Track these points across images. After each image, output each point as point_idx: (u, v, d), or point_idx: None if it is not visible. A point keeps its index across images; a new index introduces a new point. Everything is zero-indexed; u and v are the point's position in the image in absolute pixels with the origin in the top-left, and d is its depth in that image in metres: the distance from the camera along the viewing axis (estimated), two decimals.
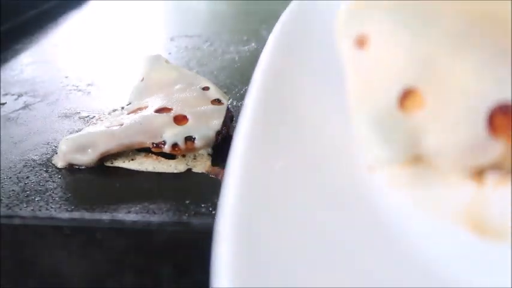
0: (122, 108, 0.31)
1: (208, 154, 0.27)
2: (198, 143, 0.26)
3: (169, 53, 0.43)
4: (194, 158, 0.27)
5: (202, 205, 0.23)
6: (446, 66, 0.14)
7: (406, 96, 0.14)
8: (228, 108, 0.29)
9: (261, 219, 0.12)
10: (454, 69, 0.14)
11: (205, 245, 0.22)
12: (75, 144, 0.26)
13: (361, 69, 0.15)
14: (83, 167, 0.26)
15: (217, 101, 0.30)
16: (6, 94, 0.36)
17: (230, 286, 0.10)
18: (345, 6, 0.16)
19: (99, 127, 0.28)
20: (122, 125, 0.27)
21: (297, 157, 0.14)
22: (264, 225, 0.12)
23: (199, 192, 0.24)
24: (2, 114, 0.33)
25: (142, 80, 0.33)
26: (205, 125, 0.27)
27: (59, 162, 0.27)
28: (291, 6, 0.21)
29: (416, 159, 0.14)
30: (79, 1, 0.60)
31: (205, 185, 0.25)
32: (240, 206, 0.12)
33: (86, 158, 0.26)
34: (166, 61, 0.36)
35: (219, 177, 0.25)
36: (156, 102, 0.29)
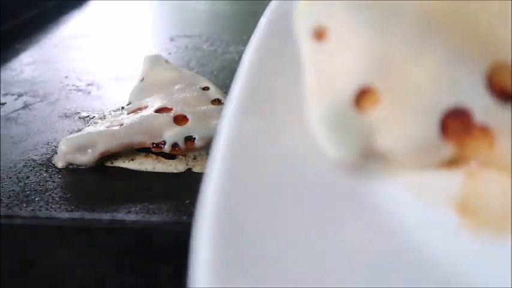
0: (122, 108, 0.31)
1: (208, 154, 0.27)
2: (198, 143, 0.26)
3: (169, 53, 0.43)
4: (194, 158, 0.27)
5: None
6: (403, 66, 0.14)
7: (362, 94, 0.14)
8: None
9: (241, 218, 0.12)
10: (411, 70, 0.14)
11: None
12: (75, 144, 0.26)
13: (318, 62, 0.15)
14: (83, 167, 0.26)
15: (217, 101, 0.30)
16: (6, 94, 0.36)
17: (208, 286, 0.10)
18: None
19: (99, 127, 0.28)
20: (122, 125, 0.27)
21: (278, 155, 0.14)
22: (244, 224, 0.12)
23: (199, 192, 0.24)
24: (2, 114, 0.33)
25: (142, 80, 0.33)
26: (205, 125, 0.27)
27: (59, 162, 0.27)
28: (271, 6, 0.21)
29: (372, 156, 0.14)
30: (79, 1, 0.60)
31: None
32: (220, 205, 0.12)
33: (86, 158, 0.26)
34: (166, 61, 0.36)
35: None
36: (156, 102, 0.29)
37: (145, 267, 0.22)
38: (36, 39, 0.48)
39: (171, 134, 0.27)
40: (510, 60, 0.15)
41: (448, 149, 0.14)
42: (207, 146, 0.27)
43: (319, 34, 0.15)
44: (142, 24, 0.55)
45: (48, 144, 0.29)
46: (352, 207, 0.13)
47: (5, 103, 0.35)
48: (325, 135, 0.14)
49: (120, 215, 0.23)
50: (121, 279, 0.22)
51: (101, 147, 0.26)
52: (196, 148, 0.27)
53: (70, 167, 0.27)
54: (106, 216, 0.22)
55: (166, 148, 0.26)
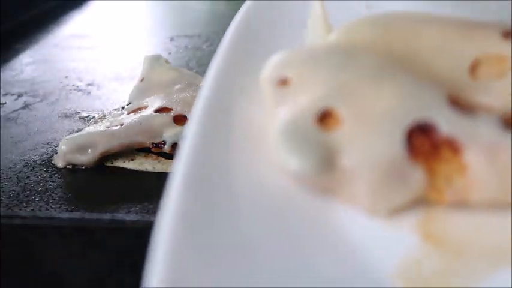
0: (122, 108, 0.31)
1: None
2: None
3: (169, 53, 0.43)
4: None
5: None
6: (363, 91, 0.15)
7: (324, 116, 0.14)
8: None
9: (200, 221, 0.12)
10: (372, 93, 0.14)
11: None
12: (75, 144, 0.26)
13: (281, 100, 0.15)
14: (83, 167, 0.26)
15: None
16: (6, 94, 0.36)
17: (160, 286, 0.10)
18: (269, 60, 0.16)
19: (99, 127, 0.28)
20: (121, 125, 0.27)
21: (240, 159, 0.14)
22: (203, 227, 0.12)
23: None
24: (2, 114, 0.33)
25: (142, 80, 0.33)
26: None
27: (59, 162, 0.27)
28: (246, 6, 0.21)
29: (333, 174, 0.14)
30: (79, 1, 0.60)
31: None
32: (181, 207, 0.12)
33: (86, 158, 0.26)
34: (166, 61, 0.36)
35: None
36: (156, 102, 0.29)
37: (145, 267, 0.22)
38: (36, 39, 0.48)
39: (171, 134, 0.27)
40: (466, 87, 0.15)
41: (417, 173, 0.14)
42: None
43: (283, 81, 0.16)
44: (142, 24, 0.55)
45: (48, 144, 0.29)
46: (310, 227, 0.13)
47: (5, 103, 0.35)
48: (285, 147, 0.14)
49: (120, 215, 0.23)
50: (121, 279, 0.22)
51: (101, 147, 0.26)
52: None
53: (70, 167, 0.27)
54: (106, 216, 0.22)
55: (166, 148, 0.26)
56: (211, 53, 0.43)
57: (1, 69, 0.41)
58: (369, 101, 0.14)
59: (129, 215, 0.23)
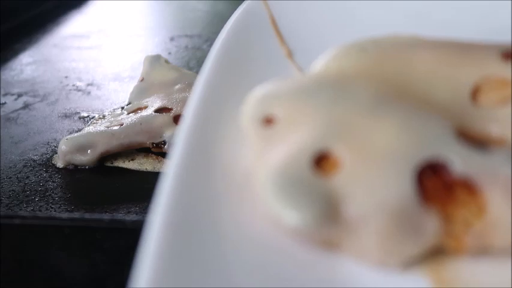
0: (122, 108, 0.31)
1: None
2: None
3: (169, 53, 0.43)
4: None
5: None
6: (361, 128, 0.13)
7: (320, 160, 0.13)
8: None
9: (191, 222, 0.12)
10: (371, 130, 0.13)
11: None
12: (74, 145, 0.26)
13: (267, 141, 0.14)
14: (83, 167, 0.26)
15: None
16: (6, 94, 0.36)
17: (148, 286, 0.10)
18: (251, 95, 0.15)
19: (98, 127, 0.28)
20: (121, 125, 0.27)
21: (226, 209, 0.13)
22: (194, 227, 0.12)
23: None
24: (2, 114, 0.33)
25: (142, 80, 0.34)
26: None
27: (59, 162, 0.27)
28: (243, 7, 0.21)
29: (336, 225, 0.12)
30: (79, 1, 0.60)
31: None
32: (172, 207, 0.12)
33: (86, 158, 0.26)
34: (166, 61, 0.36)
35: None
36: (156, 102, 0.29)
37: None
38: (36, 39, 0.48)
39: (171, 134, 0.27)
40: (472, 120, 0.14)
41: (431, 219, 0.12)
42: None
43: (267, 120, 0.14)
44: (142, 24, 0.55)
45: (48, 144, 0.29)
46: (309, 278, 0.12)
47: (5, 103, 0.35)
48: (279, 198, 0.12)
49: (120, 215, 0.23)
50: (121, 279, 0.22)
51: (101, 148, 0.26)
52: None
53: (70, 167, 0.27)
54: (106, 216, 0.22)
55: (166, 148, 0.26)
56: None
57: (1, 69, 0.41)
58: (369, 139, 0.13)
59: (129, 215, 0.23)
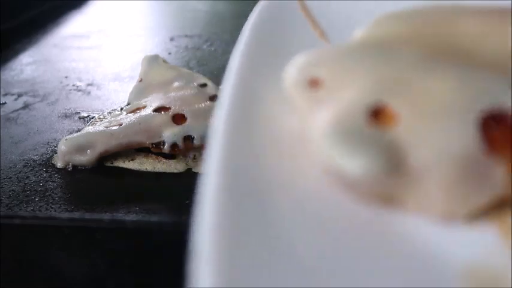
0: (121, 109, 0.32)
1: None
2: (196, 142, 0.27)
3: (169, 53, 0.43)
4: (194, 158, 0.27)
5: None
6: (414, 81, 0.13)
7: (376, 113, 0.13)
8: None
9: (247, 211, 0.11)
10: (426, 85, 0.13)
11: None
12: (74, 145, 0.26)
13: (315, 103, 0.14)
14: (82, 167, 0.26)
15: (215, 98, 0.30)
16: (6, 94, 0.36)
17: (213, 286, 0.09)
18: (294, 59, 0.15)
19: (98, 127, 0.28)
20: (120, 125, 0.27)
21: (279, 172, 0.13)
22: (251, 218, 0.11)
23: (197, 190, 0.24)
24: (2, 114, 0.33)
25: (141, 80, 0.34)
26: (203, 123, 0.27)
27: (59, 162, 0.27)
28: (260, 6, 0.21)
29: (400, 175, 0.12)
30: (79, 1, 0.60)
31: None
32: (222, 199, 0.11)
33: (85, 158, 0.26)
34: (164, 61, 0.36)
35: None
36: (155, 101, 0.29)
37: (145, 267, 0.22)
38: (36, 39, 0.48)
39: (170, 134, 0.27)
40: None
41: (497, 169, 0.12)
42: (205, 145, 0.27)
43: (314, 83, 0.14)
44: (142, 24, 0.55)
45: (48, 144, 0.29)
46: (366, 234, 0.11)
47: (5, 103, 0.35)
48: (340, 149, 0.12)
49: (120, 215, 0.23)
50: (121, 279, 0.22)
51: (100, 147, 0.26)
52: (195, 147, 0.27)
53: (69, 167, 0.27)
54: (106, 216, 0.22)
55: (166, 148, 0.26)
56: (211, 53, 0.43)
57: (1, 69, 0.41)
58: (425, 92, 0.13)
59: (129, 215, 0.23)
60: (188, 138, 0.27)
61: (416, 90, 0.13)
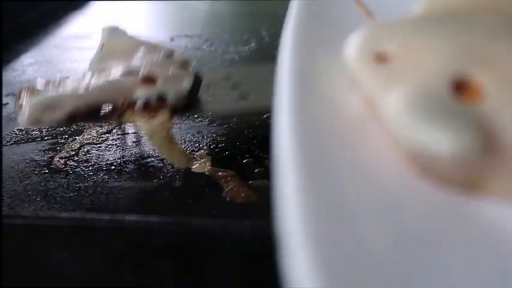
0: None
1: (208, 154, 0.27)
2: (170, 101, 0.26)
3: None
4: (194, 158, 0.27)
5: (202, 205, 0.23)
6: (499, 52, 0.12)
7: (458, 87, 0.12)
8: (196, 72, 0.28)
9: (330, 210, 0.10)
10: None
11: (205, 245, 0.22)
12: (41, 104, 0.25)
13: (385, 78, 0.12)
14: (82, 166, 0.27)
15: (183, 65, 0.29)
16: (8, 94, 0.36)
17: (313, 287, 0.08)
18: (355, 34, 0.14)
19: (62, 90, 0.27)
20: (88, 87, 0.26)
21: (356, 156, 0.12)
22: (336, 217, 0.10)
23: (199, 192, 0.24)
24: (4, 114, 0.33)
25: (103, 47, 0.32)
26: (175, 87, 0.26)
27: (24, 122, 0.25)
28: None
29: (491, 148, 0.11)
30: (80, 2, 0.60)
31: (205, 185, 0.25)
32: (306, 199, 0.10)
33: (54, 115, 0.25)
34: (125, 32, 0.35)
35: (217, 177, 0.25)
36: (120, 67, 0.28)
37: (145, 267, 0.22)
38: (38, 40, 0.48)
39: (142, 94, 0.25)
40: None
41: None
42: (179, 105, 0.26)
43: (380, 57, 0.13)
44: (142, 24, 0.55)
45: (50, 144, 0.29)
46: (446, 220, 0.10)
47: (7, 103, 0.35)
48: (426, 126, 0.11)
49: (120, 215, 0.23)
50: (121, 279, 0.22)
51: (68, 108, 0.25)
52: (168, 105, 0.25)
53: (67, 167, 0.27)
54: (106, 216, 0.23)
55: (138, 106, 0.25)
56: (211, 53, 0.44)
57: (3, 70, 0.41)
58: (509, 68, 0.12)
59: (129, 215, 0.23)
60: (161, 97, 0.25)
61: (503, 62, 0.12)
